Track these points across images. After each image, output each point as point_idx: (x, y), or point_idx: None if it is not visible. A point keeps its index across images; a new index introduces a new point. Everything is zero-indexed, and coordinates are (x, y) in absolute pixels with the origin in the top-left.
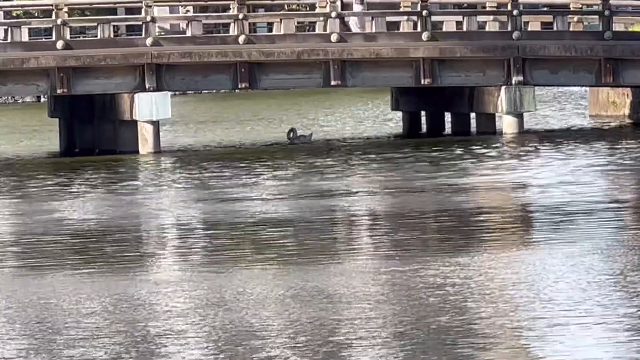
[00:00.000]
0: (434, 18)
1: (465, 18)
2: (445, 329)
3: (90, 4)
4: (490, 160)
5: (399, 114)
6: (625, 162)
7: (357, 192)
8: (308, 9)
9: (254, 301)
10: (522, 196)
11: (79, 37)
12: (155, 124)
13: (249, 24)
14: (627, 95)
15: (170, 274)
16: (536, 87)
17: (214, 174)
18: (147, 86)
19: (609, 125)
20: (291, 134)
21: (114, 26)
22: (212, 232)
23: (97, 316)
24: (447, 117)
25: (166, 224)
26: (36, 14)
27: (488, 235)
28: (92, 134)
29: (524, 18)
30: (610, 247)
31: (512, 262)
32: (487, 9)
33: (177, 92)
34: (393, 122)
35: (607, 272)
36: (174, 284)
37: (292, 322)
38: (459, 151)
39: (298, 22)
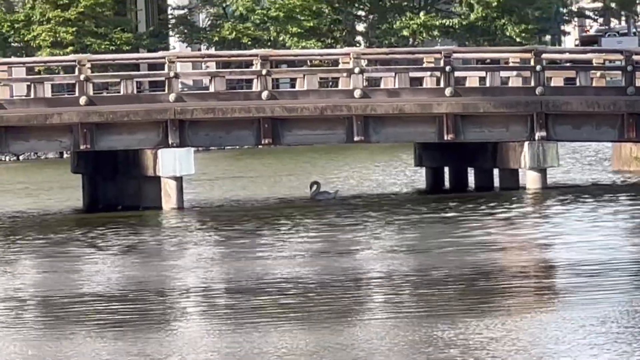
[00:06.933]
0: (457, 74)
1: (488, 73)
2: None
3: (113, 59)
4: (515, 217)
5: (422, 169)
6: None
7: (383, 252)
8: (331, 64)
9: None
10: (550, 255)
11: (102, 92)
12: (179, 180)
13: (272, 79)
14: None
15: (194, 334)
16: (559, 143)
17: (237, 232)
18: (170, 142)
19: (632, 180)
20: (314, 187)
21: (136, 82)
22: (235, 292)
23: None
24: (471, 172)
25: (189, 284)
26: (58, 70)
27: (517, 296)
28: (115, 190)
29: (547, 73)
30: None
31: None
32: (510, 64)
33: (200, 148)
34: (416, 178)
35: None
36: (197, 344)
37: None
38: (483, 207)
39: (321, 78)
